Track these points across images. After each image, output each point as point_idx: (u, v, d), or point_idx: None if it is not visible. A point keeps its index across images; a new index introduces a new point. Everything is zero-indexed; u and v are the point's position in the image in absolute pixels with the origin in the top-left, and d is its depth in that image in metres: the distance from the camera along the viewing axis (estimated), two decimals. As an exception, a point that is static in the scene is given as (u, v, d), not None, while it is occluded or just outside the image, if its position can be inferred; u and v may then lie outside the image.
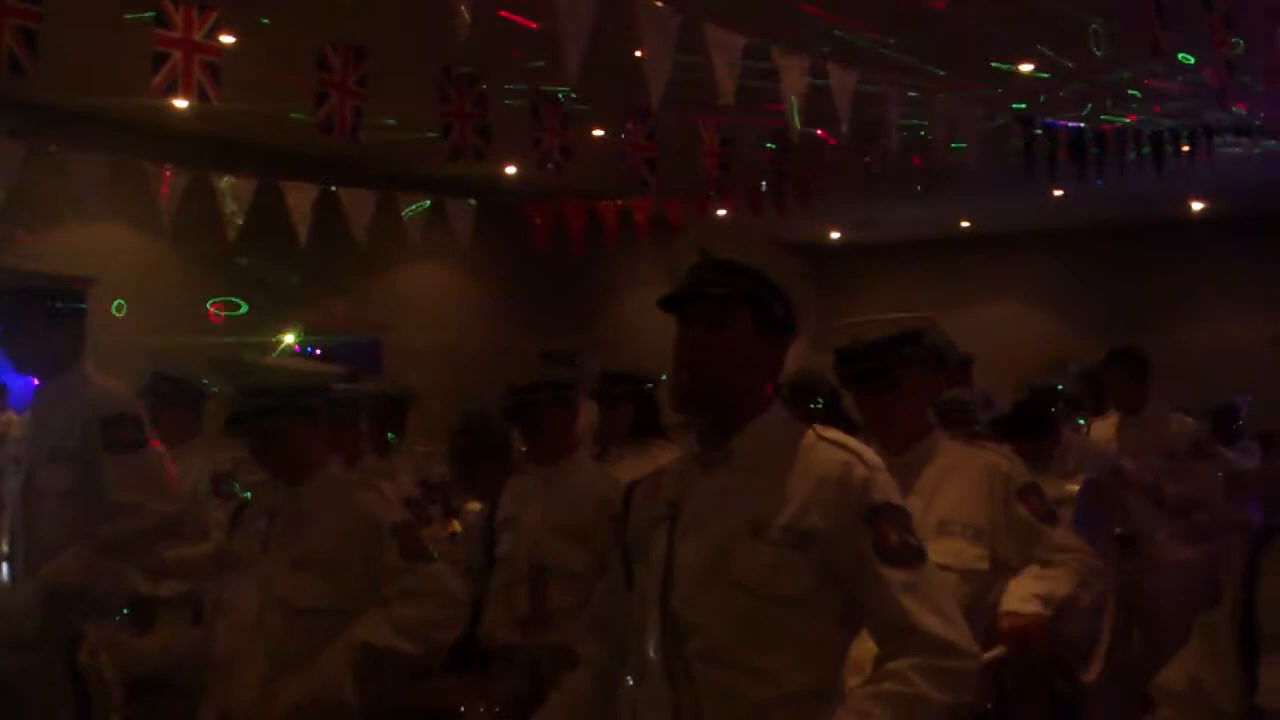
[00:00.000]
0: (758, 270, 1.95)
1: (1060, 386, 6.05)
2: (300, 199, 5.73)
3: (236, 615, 2.61)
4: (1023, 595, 2.57)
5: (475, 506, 7.22)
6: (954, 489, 2.66)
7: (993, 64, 6.17)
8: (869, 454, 1.93)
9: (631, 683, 1.93)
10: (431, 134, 5.21)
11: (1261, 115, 6.45)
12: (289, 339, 8.01)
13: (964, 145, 5.60)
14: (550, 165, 5.70)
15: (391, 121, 6.81)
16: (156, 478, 3.27)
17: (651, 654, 1.88)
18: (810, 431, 1.96)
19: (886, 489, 1.89)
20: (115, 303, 7.12)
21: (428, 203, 6.49)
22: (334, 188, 5.91)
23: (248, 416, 2.63)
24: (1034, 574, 2.62)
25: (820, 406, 4.51)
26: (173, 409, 4.38)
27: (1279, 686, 1.50)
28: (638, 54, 4.15)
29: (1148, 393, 5.09)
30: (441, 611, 2.59)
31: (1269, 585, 1.56)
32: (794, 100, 4.75)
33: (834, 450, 1.90)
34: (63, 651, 3.08)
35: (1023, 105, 6.41)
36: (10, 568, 3.56)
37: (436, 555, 2.69)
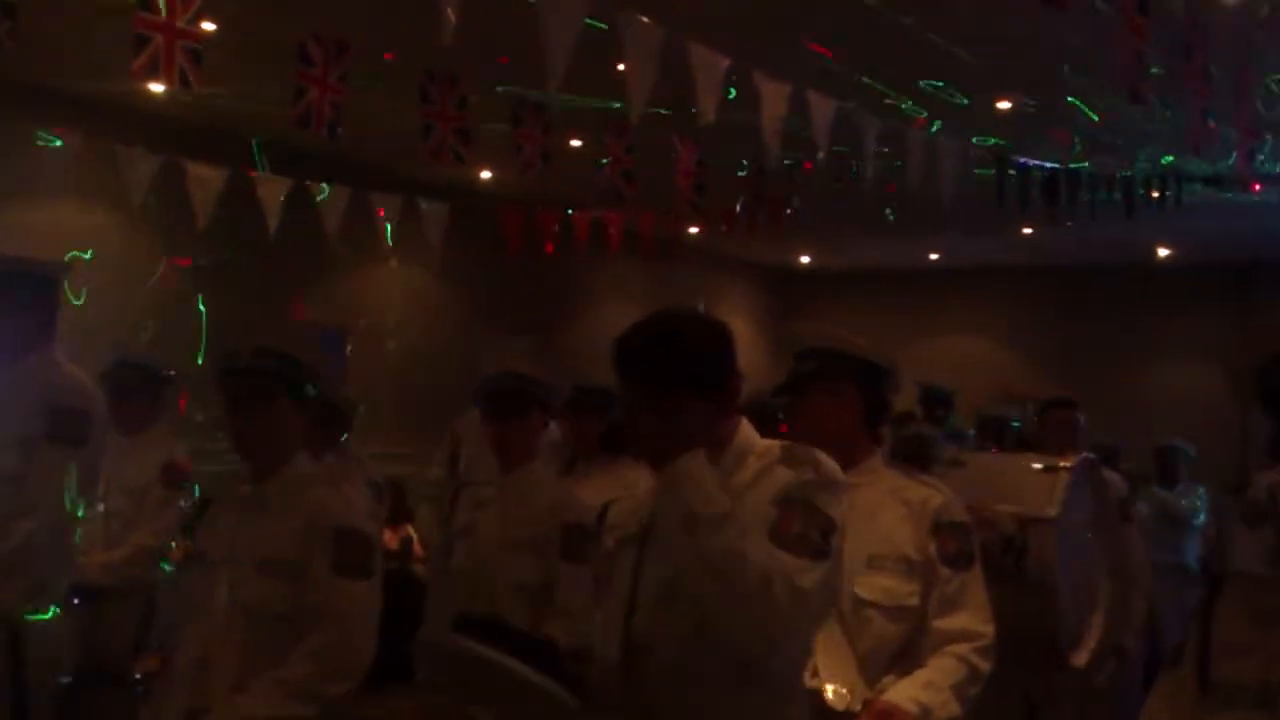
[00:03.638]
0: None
1: (1016, 423, 6.14)
2: (272, 192, 5.68)
3: (205, 616, 2.58)
4: (909, 694, 2.50)
5: (430, 512, 7.19)
6: (886, 521, 2.63)
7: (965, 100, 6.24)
8: (825, 461, 1.95)
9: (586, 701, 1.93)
10: (410, 133, 5.19)
11: (1231, 165, 6.55)
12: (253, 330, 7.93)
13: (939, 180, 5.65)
14: (530, 171, 5.69)
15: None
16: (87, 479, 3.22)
17: (611, 673, 1.89)
18: (776, 447, 1.98)
19: (826, 493, 1.91)
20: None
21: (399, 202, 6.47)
22: (307, 182, 5.87)
23: (248, 379, 2.59)
24: (922, 680, 2.53)
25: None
26: (132, 396, 4.34)
27: None
28: (620, 67, 4.16)
29: (1081, 442, 5.13)
30: (337, 661, 2.53)
31: (1219, 634, 1.57)
32: (772, 125, 4.78)
33: (790, 468, 1.93)
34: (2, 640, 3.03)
35: (999, 141, 6.48)
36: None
37: (371, 572, 2.64)
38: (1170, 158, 6.59)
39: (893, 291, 13.03)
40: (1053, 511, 4.07)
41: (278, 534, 2.56)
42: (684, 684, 1.85)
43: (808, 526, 1.85)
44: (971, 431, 6.13)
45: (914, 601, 2.59)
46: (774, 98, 4.77)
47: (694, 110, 4.37)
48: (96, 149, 5.34)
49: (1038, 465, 4.29)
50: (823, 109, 4.87)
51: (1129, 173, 6.86)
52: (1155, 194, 6.94)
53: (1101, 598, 4.04)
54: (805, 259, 12.96)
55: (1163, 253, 11.37)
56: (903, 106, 5.89)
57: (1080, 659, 3.91)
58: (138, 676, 4.06)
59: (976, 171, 6.17)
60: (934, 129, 5.94)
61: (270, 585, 2.52)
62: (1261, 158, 6.06)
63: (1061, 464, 4.23)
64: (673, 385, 1.89)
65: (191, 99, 4.72)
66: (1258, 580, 1.61)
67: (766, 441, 2.01)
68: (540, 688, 1.73)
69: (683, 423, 1.87)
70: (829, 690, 2.54)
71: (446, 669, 1.92)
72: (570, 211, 7.55)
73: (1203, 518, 7.34)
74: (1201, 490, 7.43)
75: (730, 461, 1.96)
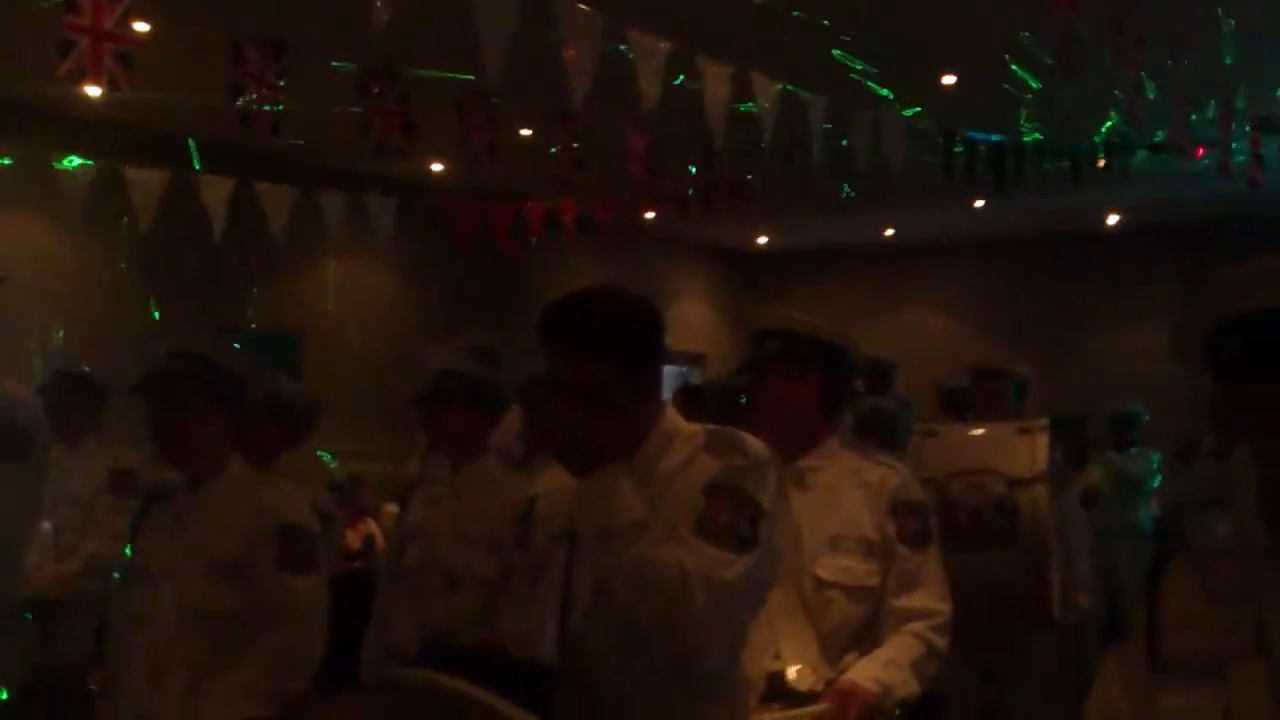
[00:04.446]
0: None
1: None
2: (216, 194, 5.60)
3: (151, 626, 2.54)
4: (870, 674, 2.53)
5: (393, 509, 7.15)
6: (845, 503, 2.64)
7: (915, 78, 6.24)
8: (750, 444, 1.93)
9: None
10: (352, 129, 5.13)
11: (1165, 134, 6.62)
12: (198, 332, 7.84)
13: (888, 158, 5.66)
14: (478, 163, 5.64)
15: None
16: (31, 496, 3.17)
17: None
18: (701, 432, 1.97)
19: (754, 479, 1.89)
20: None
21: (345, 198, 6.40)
22: (253, 184, 5.79)
23: (157, 383, 2.54)
24: (882, 659, 2.56)
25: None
26: (72, 407, 4.28)
27: (1179, 708, 1.51)
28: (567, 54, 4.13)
29: (1018, 410, 5.17)
30: (291, 659, 2.51)
31: (1168, 608, 1.57)
32: (716, 108, 4.76)
33: (715, 456, 1.91)
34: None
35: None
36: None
37: (316, 567, 2.61)
38: (1109, 124, 6.63)
39: (851, 269, 13.08)
40: (1039, 469, 4.15)
41: (221, 536, 2.53)
42: (619, 680, 1.84)
43: (736, 516, 1.84)
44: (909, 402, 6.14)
45: (873, 581, 2.62)
46: (716, 80, 4.76)
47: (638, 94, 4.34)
48: (30, 157, 5.23)
49: (1012, 428, 4.35)
50: (767, 90, 4.86)
51: (1076, 145, 6.90)
52: (1101, 163, 6.99)
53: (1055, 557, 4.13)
54: (763, 240, 12.97)
55: (1112, 220, 11.47)
56: (851, 76, 5.87)
57: (1056, 613, 3.99)
58: (92, 688, 4.00)
59: (923, 147, 6.19)
60: (884, 94, 5.93)
61: (218, 587, 2.49)
62: (1195, 118, 6.10)
63: (1034, 426, 4.30)
64: (597, 351, 1.86)
65: (126, 102, 4.62)
66: (1210, 553, 1.61)
67: (691, 426, 2.00)
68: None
69: (605, 404, 1.84)
70: (791, 671, 2.55)
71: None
72: (524, 202, 7.50)
73: (1156, 481, 7.47)
74: (1155, 455, 7.55)
75: (656, 446, 1.93)
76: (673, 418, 2.00)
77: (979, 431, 4.44)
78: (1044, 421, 4.36)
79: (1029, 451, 4.24)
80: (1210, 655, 1.44)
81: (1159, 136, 6.83)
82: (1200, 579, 1.52)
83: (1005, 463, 4.19)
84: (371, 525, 7.61)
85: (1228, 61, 5.64)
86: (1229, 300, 1.42)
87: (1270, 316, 1.37)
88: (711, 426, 1.98)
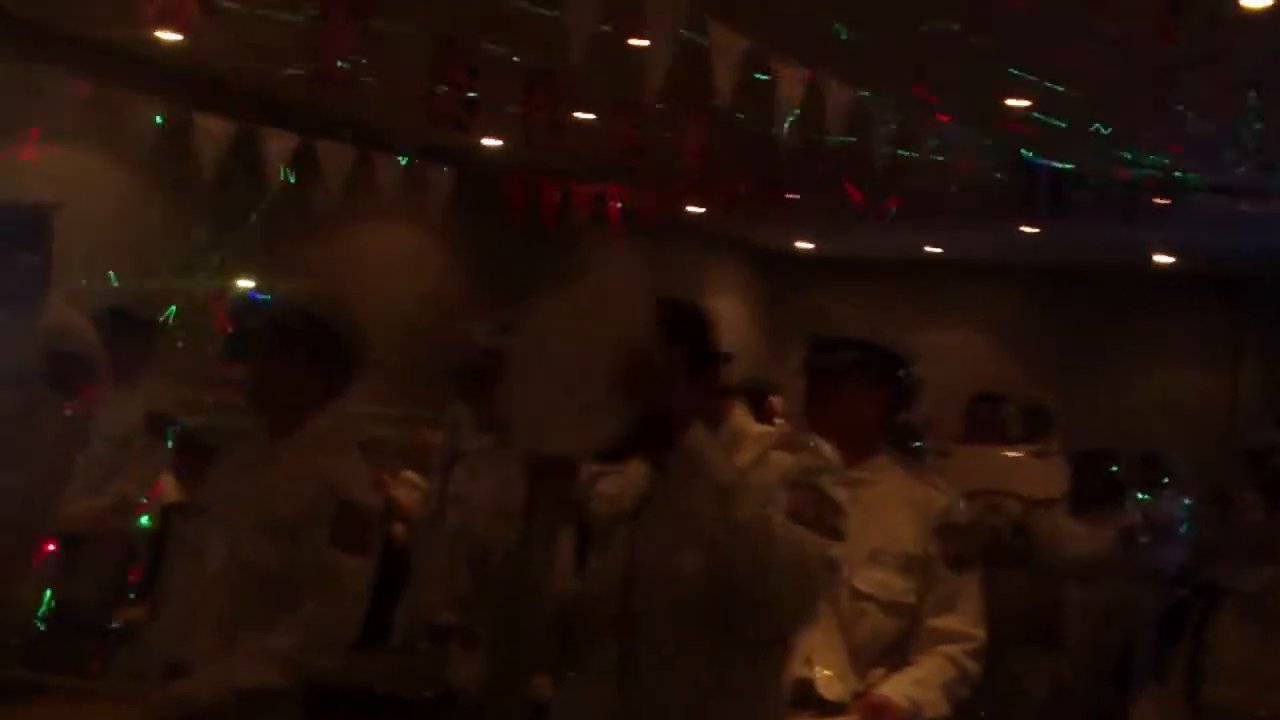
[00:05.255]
0: None
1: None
2: (277, 148, 5.63)
3: (197, 568, 2.55)
4: (902, 691, 2.54)
5: (411, 476, 7.16)
6: (890, 517, 2.65)
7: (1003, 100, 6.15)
8: (823, 446, 1.98)
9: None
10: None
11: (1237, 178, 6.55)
12: (246, 284, 7.89)
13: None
14: (533, 142, 5.64)
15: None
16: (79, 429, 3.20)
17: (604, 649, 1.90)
18: (773, 433, 2.04)
19: (829, 478, 1.92)
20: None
21: (403, 161, 6.42)
22: (314, 142, 5.81)
23: (259, 346, 2.56)
24: (914, 677, 2.57)
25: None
26: (122, 342, 4.28)
27: None
28: (634, 42, 4.12)
29: (1015, 438, 5.13)
30: (325, 634, 2.50)
31: (1214, 655, 1.55)
32: (787, 111, 4.74)
33: (790, 452, 1.97)
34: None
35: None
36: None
37: (369, 548, 2.60)
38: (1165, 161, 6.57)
39: (889, 281, 13.03)
40: (1056, 492, 4.16)
41: (283, 494, 2.53)
42: (677, 657, 1.86)
43: (820, 509, 1.86)
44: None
45: (911, 599, 2.63)
46: (789, 82, 4.74)
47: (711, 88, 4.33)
48: (100, 94, 5.27)
49: (1022, 452, 4.36)
50: (839, 96, 4.84)
51: (1132, 177, 6.84)
52: (1158, 200, 6.94)
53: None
54: (802, 244, 12.94)
55: (1160, 259, 11.39)
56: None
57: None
58: (114, 626, 4.03)
59: (986, 166, 6.15)
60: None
61: (267, 545, 2.49)
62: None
63: (1050, 448, 4.31)
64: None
65: (201, 49, 4.65)
66: (1257, 600, 1.60)
67: (761, 426, 2.02)
68: None
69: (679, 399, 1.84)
70: (820, 679, 2.56)
71: None
72: (574, 184, 7.50)
73: (1186, 527, 7.38)
74: (1186, 501, 7.46)
75: (725, 444, 1.94)
76: (741, 417, 2.02)
77: (994, 453, 4.45)
78: (1057, 446, 4.38)
79: (1044, 473, 4.25)
80: (1254, 704, 1.43)
81: (1218, 178, 6.77)
82: (1249, 629, 1.51)
83: (1022, 484, 4.20)
84: (389, 487, 7.60)
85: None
86: None
87: None
88: (782, 428, 2.00)
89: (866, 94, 5.06)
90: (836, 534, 1.87)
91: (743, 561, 1.75)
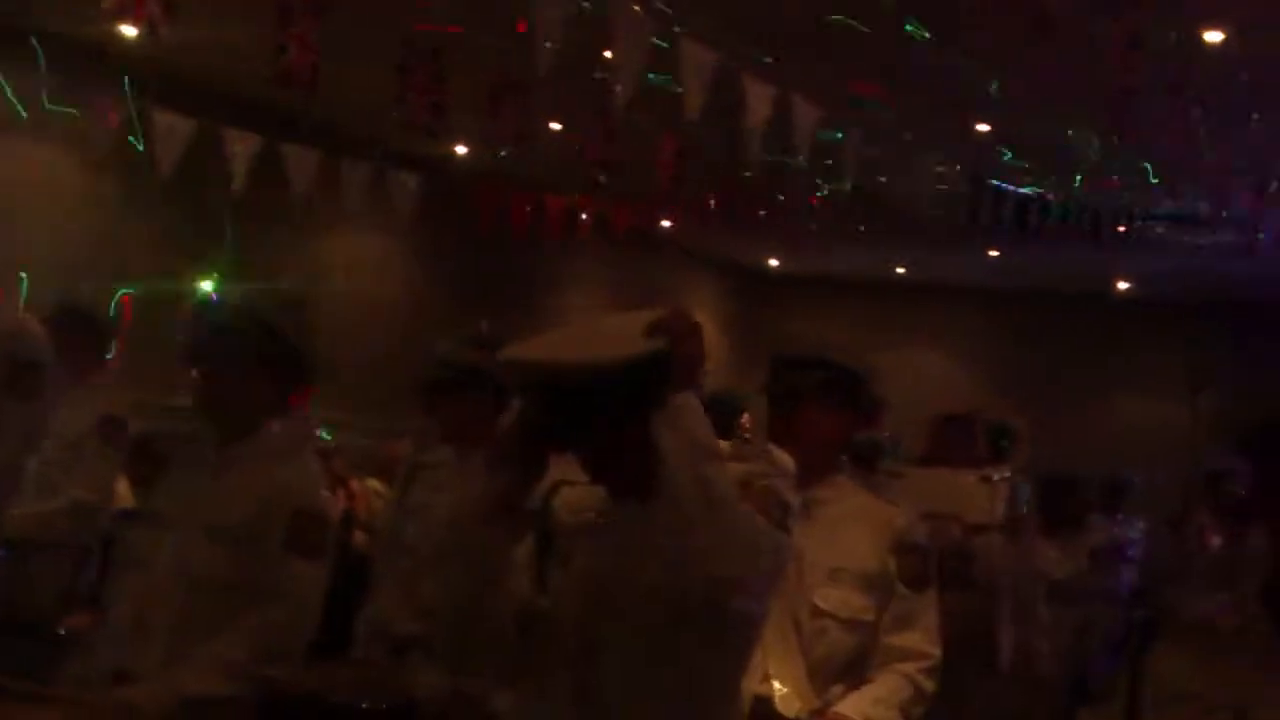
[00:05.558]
0: None
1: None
2: (241, 149, 5.58)
3: (147, 575, 2.49)
4: (860, 710, 2.53)
5: (374, 485, 7.09)
6: (850, 536, 2.65)
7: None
8: (779, 456, 1.99)
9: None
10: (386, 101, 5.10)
11: (1200, 208, 6.64)
12: (205, 286, 7.80)
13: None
14: (504, 150, 5.63)
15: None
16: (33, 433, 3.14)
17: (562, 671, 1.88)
18: (725, 445, 2.01)
19: (781, 485, 1.94)
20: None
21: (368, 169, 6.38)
22: (279, 143, 5.76)
23: (211, 352, 2.51)
24: (872, 695, 2.57)
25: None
26: (76, 343, 4.21)
27: None
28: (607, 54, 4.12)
29: (981, 458, 5.16)
30: (278, 642, 2.45)
31: (1154, 681, 1.56)
32: (754, 126, 4.75)
33: (741, 461, 1.95)
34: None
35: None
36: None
37: (323, 554, 2.55)
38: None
39: (857, 301, 13.09)
40: (996, 519, 4.21)
41: (235, 502, 2.47)
42: (637, 676, 1.84)
43: (770, 508, 1.87)
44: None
45: (869, 616, 2.63)
46: (758, 99, 4.75)
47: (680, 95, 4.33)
48: (61, 89, 5.20)
49: (974, 476, 4.40)
50: (807, 116, 4.85)
51: (1101, 206, 6.90)
52: (1122, 228, 7.00)
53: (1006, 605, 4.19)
54: (774, 261, 12.99)
55: (1121, 286, 11.52)
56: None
57: (1005, 662, 4.02)
58: (62, 632, 3.95)
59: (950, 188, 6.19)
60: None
61: (219, 553, 2.43)
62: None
63: (996, 475, 4.36)
64: None
65: (164, 46, 4.59)
66: (1204, 633, 1.60)
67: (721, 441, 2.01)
68: None
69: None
70: (778, 694, 2.55)
71: None
72: (545, 195, 7.48)
73: (1134, 550, 7.46)
74: (1140, 523, 7.54)
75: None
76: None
77: (943, 476, 4.48)
78: (1006, 472, 4.43)
79: (988, 499, 4.30)
80: None
81: (1181, 210, 6.85)
82: (1189, 658, 1.51)
83: (965, 508, 4.24)
84: (345, 495, 7.53)
85: None
86: None
87: None
88: (734, 441, 2.00)
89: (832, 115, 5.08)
90: (786, 531, 1.88)
91: (701, 523, 1.75)
